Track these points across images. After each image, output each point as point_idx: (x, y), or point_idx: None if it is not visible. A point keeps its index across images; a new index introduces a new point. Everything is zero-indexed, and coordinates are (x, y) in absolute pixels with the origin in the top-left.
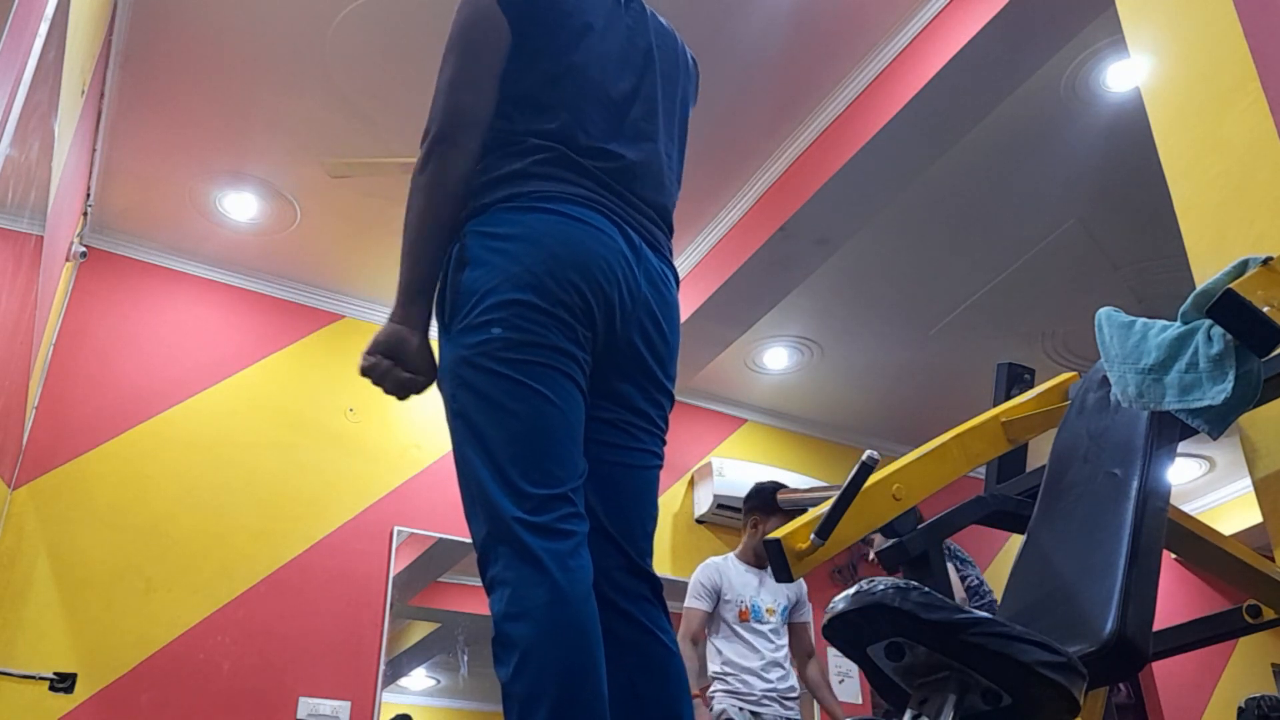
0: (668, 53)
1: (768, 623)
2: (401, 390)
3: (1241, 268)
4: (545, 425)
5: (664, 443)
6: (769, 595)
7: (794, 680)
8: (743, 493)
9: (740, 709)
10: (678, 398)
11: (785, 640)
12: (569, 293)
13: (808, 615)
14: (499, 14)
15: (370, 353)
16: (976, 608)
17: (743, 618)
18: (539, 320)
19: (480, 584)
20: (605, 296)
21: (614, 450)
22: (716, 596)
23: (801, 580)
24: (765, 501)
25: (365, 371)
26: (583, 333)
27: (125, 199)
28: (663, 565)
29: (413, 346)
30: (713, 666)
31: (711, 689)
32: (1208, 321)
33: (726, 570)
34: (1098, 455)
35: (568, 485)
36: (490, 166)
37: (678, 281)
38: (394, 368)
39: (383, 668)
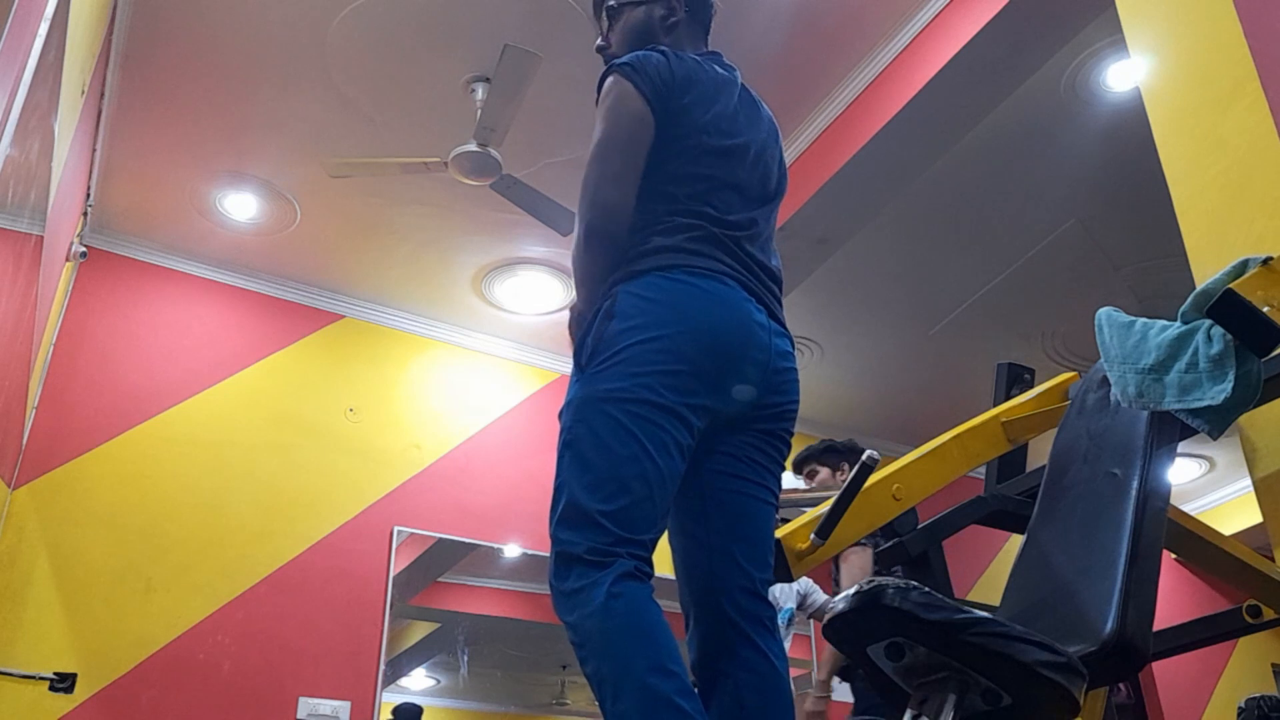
0: (766, 125)
1: None
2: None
3: (1241, 268)
4: (641, 477)
5: (779, 485)
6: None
7: None
8: None
9: None
10: None
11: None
12: (703, 363)
13: (819, 598)
14: (649, 114)
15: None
16: None
17: None
18: (667, 383)
19: (479, 584)
20: (739, 367)
21: (741, 482)
22: None
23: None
24: None
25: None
26: (705, 402)
27: (125, 199)
28: (664, 565)
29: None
30: None
31: None
32: (1208, 321)
33: None
34: (1098, 455)
35: (644, 535)
36: (644, 240)
37: (793, 346)
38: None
39: (383, 668)
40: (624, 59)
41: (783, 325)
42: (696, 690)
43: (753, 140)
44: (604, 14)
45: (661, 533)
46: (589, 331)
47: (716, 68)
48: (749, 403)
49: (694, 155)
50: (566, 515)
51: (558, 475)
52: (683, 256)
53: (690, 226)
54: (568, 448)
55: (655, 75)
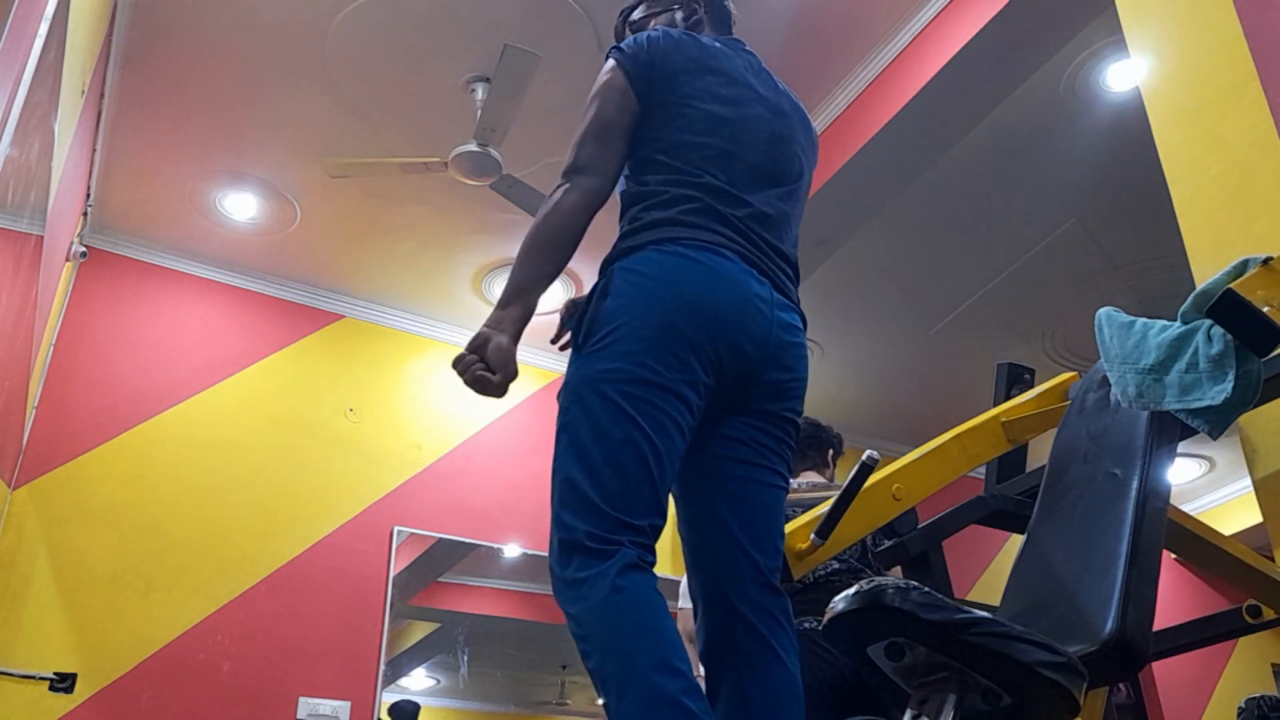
0: (788, 107)
1: None
2: (478, 385)
3: (1241, 268)
4: (638, 459)
5: (789, 468)
6: None
7: None
8: None
9: None
10: None
11: None
12: (699, 338)
13: None
14: (628, 85)
15: (465, 349)
16: None
17: None
18: (662, 360)
19: (479, 584)
20: (736, 340)
21: (747, 467)
22: None
23: None
24: None
25: (454, 365)
26: (703, 378)
27: (125, 199)
28: (662, 566)
29: (494, 346)
30: None
31: None
32: (1208, 321)
33: None
34: (1098, 455)
35: (644, 520)
36: (640, 214)
37: (804, 324)
38: (476, 363)
39: (383, 668)
40: (621, 43)
41: (789, 299)
42: (705, 685)
43: (761, 115)
44: (629, 32)
45: (664, 517)
46: (585, 310)
47: (723, 46)
48: (749, 378)
49: (687, 121)
50: (565, 499)
51: (555, 458)
52: (680, 229)
53: (688, 199)
54: (564, 430)
55: (641, 49)
